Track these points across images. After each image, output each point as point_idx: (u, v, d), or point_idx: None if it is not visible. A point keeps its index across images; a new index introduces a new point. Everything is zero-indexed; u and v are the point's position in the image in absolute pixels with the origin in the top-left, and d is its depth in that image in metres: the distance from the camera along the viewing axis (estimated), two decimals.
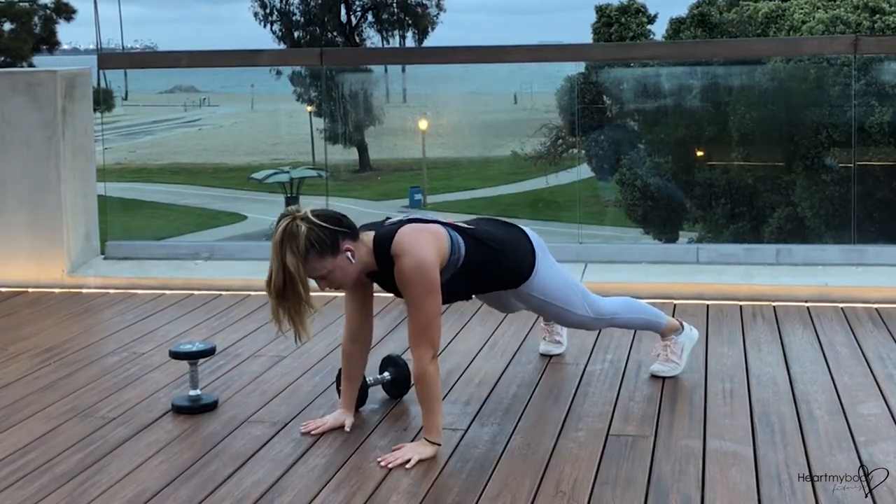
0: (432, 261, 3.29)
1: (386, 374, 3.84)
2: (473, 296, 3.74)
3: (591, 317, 3.78)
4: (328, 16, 36.23)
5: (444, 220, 3.49)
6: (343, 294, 3.61)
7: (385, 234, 3.34)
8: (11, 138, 5.71)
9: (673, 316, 4.26)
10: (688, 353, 4.01)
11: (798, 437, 3.39)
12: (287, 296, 3.22)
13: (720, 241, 19.10)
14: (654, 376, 3.97)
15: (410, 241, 3.30)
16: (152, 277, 5.71)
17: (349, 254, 3.29)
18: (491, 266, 3.52)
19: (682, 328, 3.99)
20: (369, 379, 3.75)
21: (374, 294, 5.29)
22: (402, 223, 3.38)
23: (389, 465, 3.23)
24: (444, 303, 3.39)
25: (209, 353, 3.82)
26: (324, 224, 3.24)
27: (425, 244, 3.31)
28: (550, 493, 3.04)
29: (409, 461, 3.23)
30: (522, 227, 3.74)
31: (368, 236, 3.37)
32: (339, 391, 3.73)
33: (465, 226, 3.54)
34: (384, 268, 3.36)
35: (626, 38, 24.63)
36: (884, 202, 17.29)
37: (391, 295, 5.25)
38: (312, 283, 3.31)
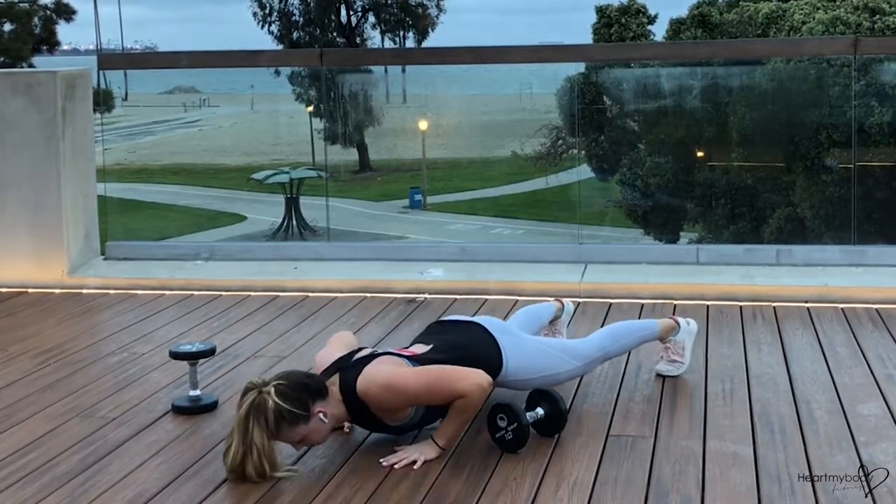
0: (390, 370, 3.31)
1: (539, 409, 3.46)
2: None
3: (579, 366, 3.74)
4: (328, 16, 36.25)
5: (405, 353, 3.46)
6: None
7: (349, 382, 3.31)
8: (11, 139, 5.71)
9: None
10: (690, 348, 4.00)
11: (798, 437, 3.39)
12: (246, 470, 3.14)
13: (720, 241, 19.11)
14: (657, 376, 3.96)
15: (371, 375, 3.30)
16: (152, 278, 5.71)
17: (321, 415, 3.25)
18: None
19: (679, 326, 3.98)
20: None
21: (374, 296, 5.31)
22: (363, 362, 3.36)
23: (396, 466, 3.23)
24: (426, 423, 3.40)
25: (209, 353, 3.82)
26: (292, 393, 3.19)
27: (383, 368, 3.32)
28: (550, 493, 3.05)
29: (415, 462, 3.23)
30: (475, 319, 3.71)
31: (336, 387, 3.33)
32: None
33: (424, 350, 3.50)
34: (356, 413, 3.34)
35: (626, 38, 24.64)
36: (884, 203, 17.30)
37: (391, 295, 5.28)
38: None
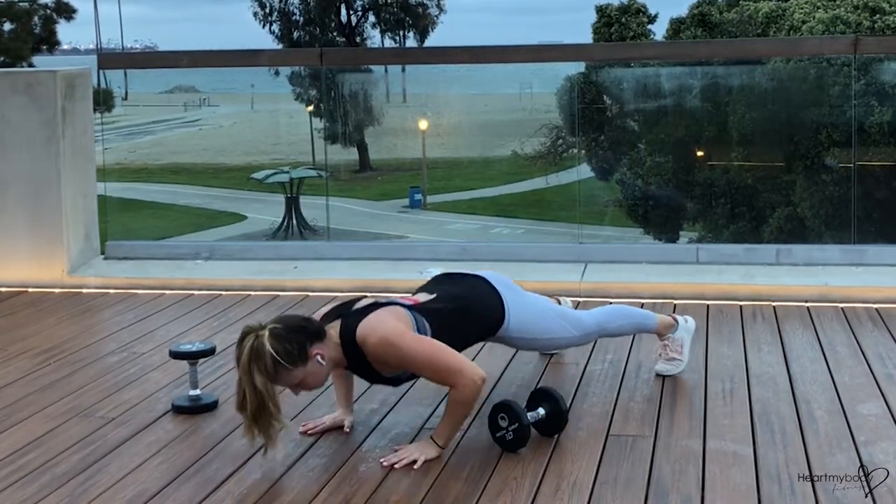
0: (395, 325, 3.29)
1: (540, 409, 3.44)
2: None
3: (577, 335, 3.78)
4: (328, 16, 36.25)
5: (407, 302, 3.46)
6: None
7: (349, 327, 3.31)
8: (11, 138, 5.71)
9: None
10: (689, 346, 4.00)
11: (798, 437, 3.39)
12: (260, 415, 3.16)
13: (720, 240, 19.12)
14: (656, 376, 3.96)
15: (370, 323, 3.29)
16: (152, 277, 5.71)
17: (319, 357, 3.25)
18: (462, 331, 3.49)
19: (677, 323, 3.98)
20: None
21: (374, 295, 5.30)
22: (364, 311, 3.35)
23: (396, 466, 3.23)
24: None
25: (209, 353, 3.82)
26: (289, 335, 3.19)
27: (387, 320, 3.31)
28: (550, 493, 3.04)
29: (415, 462, 3.23)
30: (481, 272, 3.71)
31: (335, 330, 3.33)
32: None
33: (427, 299, 3.51)
34: (353, 359, 3.33)
35: (626, 38, 24.66)
36: (884, 202, 17.31)
37: (391, 294, 5.27)
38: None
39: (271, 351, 3.14)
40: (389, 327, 3.28)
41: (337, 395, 3.62)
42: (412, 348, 3.27)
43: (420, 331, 3.36)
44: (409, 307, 3.42)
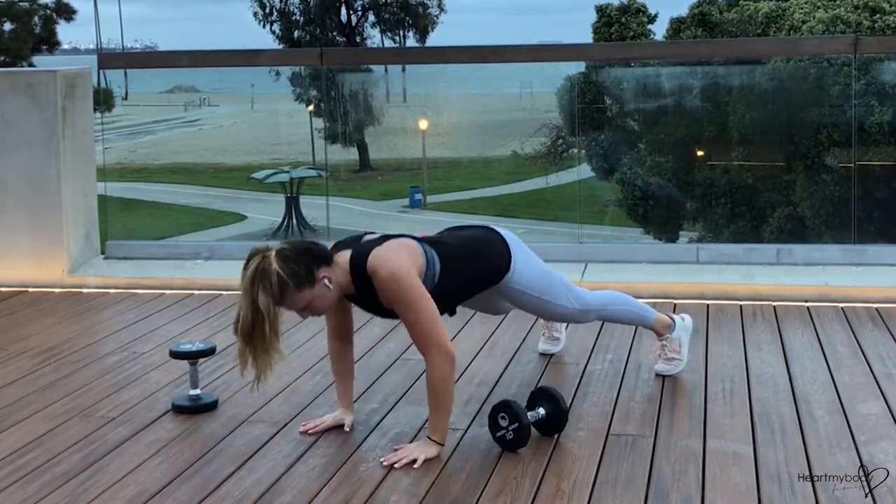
0: (407, 267, 3.27)
1: (540, 409, 3.44)
2: (461, 305, 3.70)
3: (577, 308, 3.77)
4: (329, 15, 36.27)
5: (416, 235, 3.48)
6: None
7: (360, 255, 3.30)
8: (11, 138, 5.71)
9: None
10: (687, 345, 4.00)
11: (798, 436, 3.39)
12: (255, 338, 3.15)
13: (720, 240, 19.10)
14: (656, 375, 3.96)
15: (383, 254, 3.27)
16: (152, 277, 5.71)
17: (326, 280, 3.25)
18: (469, 268, 3.50)
19: (675, 323, 3.98)
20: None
21: None
22: (376, 242, 3.35)
23: (396, 466, 3.22)
24: None
25: (209, 352, 3.82)
26: (296, 257, 3.20)
27: (398, 255, 3.29)
28: (550, 492, 3.04)
29: (415, 461, 3.23)
30: (491, 226, 3.74)
31: (343, 257, 3.33)
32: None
33: (436, 237, 3.55)
34: (361, 288, 3.32)
35: (626, 37, 24.65)
36: (884, 202, 17.30)
37: None
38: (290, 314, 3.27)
39: (278, 270, 3.15)
40: (401, 263, 3.27)
41: (337, 394, 3.62)
42: (410, 295, 3.24)
43: (430, 262, 3.36)
44: (417, 240, 3.43)
